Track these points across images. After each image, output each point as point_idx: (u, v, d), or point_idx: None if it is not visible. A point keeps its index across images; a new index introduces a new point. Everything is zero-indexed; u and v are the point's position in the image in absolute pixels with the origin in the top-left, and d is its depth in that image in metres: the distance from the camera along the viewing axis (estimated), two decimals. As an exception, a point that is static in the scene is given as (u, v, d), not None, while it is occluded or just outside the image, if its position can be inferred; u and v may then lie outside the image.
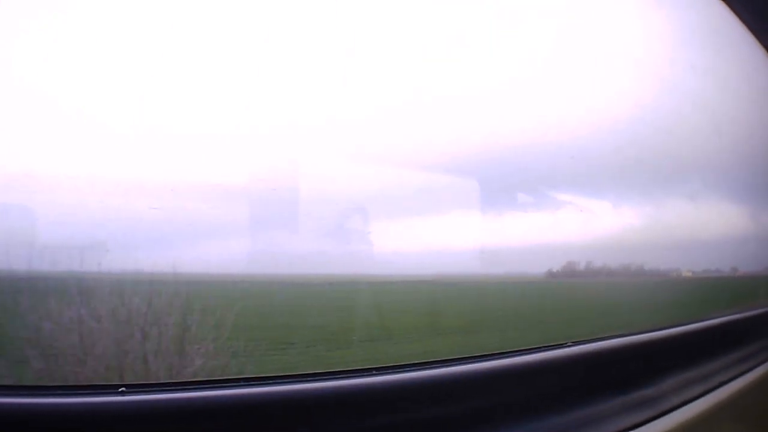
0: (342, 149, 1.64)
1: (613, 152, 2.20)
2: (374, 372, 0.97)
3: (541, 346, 1.25)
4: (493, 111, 1.90)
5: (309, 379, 0.98)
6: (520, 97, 1.94)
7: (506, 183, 2.05)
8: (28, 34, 1.19)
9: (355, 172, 1.68)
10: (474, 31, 1.77)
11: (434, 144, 1.80)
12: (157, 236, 1.41)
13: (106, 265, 1.34)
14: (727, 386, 1.52)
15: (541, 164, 2.10)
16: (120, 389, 0.80)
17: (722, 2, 2.25)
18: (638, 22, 2.23)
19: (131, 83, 1.31)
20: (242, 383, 0.93)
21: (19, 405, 0.74)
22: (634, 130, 2.23)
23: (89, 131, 1.30)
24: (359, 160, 1.68)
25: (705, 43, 2.54)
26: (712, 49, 2.58)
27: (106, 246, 1.33)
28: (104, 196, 1.32)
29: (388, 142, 1.72)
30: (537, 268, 2.13)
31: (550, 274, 2.17)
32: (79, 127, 1.29)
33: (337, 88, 1.58)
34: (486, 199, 1.89)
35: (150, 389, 0.86)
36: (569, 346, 1.27)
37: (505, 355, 1.16)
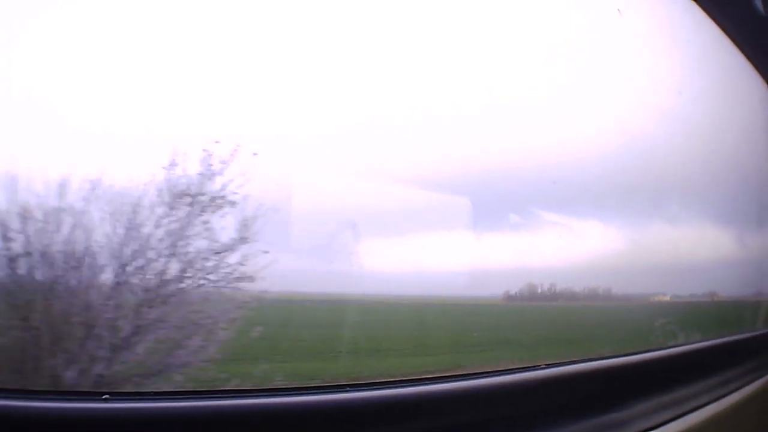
0: (331, 167, 1.67)
1: (598, 177, 2.24)
2: (348, 389, 1.00)
3: (514, 368, 1.28)
4: (483, 132, 1.94)
5: (295, 392, 1.00)
6: (508, 120, 1.98)
7: (494, 205, 2.09)
8: (25, 37, 1.22)
9: (343, 189, 1.71)
10: (464, 54, 1.81)
11: (422, 164, 1.83)
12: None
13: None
14: (699, 412, 1.55)
15: (528, 187, 2.14)
16: (104, 396, 0.82)
17: (719, 28, 2.29)
18: (628, 48, 2.27)
19: (124, 94, 1.35)
20: (226, 395, 0.95)
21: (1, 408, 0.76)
22: (620, 155, 2.27)
23: (85, 135, 1.33)
24: (348, 176, 1.71)
25: (698, 70, 2.57)
26: (707, 76, 2.62)
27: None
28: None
29: (376, 161, 1.75)
30: (518, 290, 2.16)
31: (532, 297, 2.20)
32: (75, 131, 1.32)
33: (326, 108, 1.62)
34: (471, 219, 1.92)
35: (134, 397, 0.89)
36: (543, 368, 1.30)
37: (479, 375, 1.20)
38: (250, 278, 1.42)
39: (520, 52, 1.95)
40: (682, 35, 2.48)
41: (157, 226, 1.36)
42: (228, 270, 1.41)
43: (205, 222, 1.39)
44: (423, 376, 1.42)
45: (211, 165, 1.39)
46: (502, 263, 2.02)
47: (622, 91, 2.26)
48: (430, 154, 1.83)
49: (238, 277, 1.41)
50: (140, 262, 1.34)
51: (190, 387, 1.44)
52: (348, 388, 0.99)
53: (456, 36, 1.78)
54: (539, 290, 2.25)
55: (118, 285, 1.31)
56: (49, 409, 0.78)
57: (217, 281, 1.39)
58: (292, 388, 1.12)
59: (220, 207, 1.39)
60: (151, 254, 1.35)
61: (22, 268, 1.26)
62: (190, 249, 1.38)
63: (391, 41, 1.67)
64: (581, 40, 2.11)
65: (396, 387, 1.08)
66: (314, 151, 1.63)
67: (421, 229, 1.85)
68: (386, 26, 1.67)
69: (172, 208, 1.36)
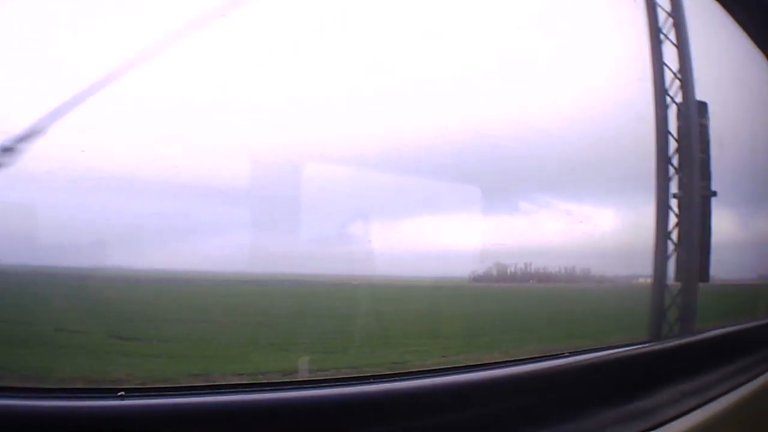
0: (341, 152, 1.66)
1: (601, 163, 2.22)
2: (372, 380, 0.98)
3: (538, 356, 1.26)
4: (488, 108, 1.92)
5: (307, 386, 0.98)
6: (511, 93, 1.96)
7: (501, 187, 2.07)
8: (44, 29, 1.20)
9: (353, 174, 1.70)
10: (456, 32, 1.78)
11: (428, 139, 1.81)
12: (159, 235, 1.42)
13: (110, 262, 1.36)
14: (723, 399, 1.52)
15: (538, 168, 2.12)
16: (119, 393, 0.80)
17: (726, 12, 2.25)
18: (631, 27, 2.24)
19: (136, 87, 1.32)
20: (240, 389, 0.93)
21: (19, 407, 0.74)
22: (618, 141, 2.25)
23: (93, 131, 1.31)
24: (358, 162, 1.69)
25: (706, 56, 2.55)
26: (716, 61, 2.59)
27: (109, 244, 1.34)
28: (112, 196, 1.33)
29: (387, 144, 1.74)
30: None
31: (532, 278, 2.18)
32: (82, 127, 1.30)
33: (338, 94, 1.59)
34: (472, 203, 1.91)
35: (149, 394, 0.87)
36: (567, 356, 1.27)
37: (503, 364, 1.17)
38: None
39: (527, 42, 1.93)
40: (691, 22, 2.46)
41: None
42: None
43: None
44: (439, 367, 1.39)
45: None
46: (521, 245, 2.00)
47: (628, 75, 2.24)
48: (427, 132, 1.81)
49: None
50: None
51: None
52: (370, 380, 0.97)
53: (456, 20, 1.75)
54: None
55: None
56: (65, 407, 0.77)
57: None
58: (309, 381, 1.10)
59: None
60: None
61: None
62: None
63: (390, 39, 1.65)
64: (586, 27, 2.09)
65: (416, 378, 1.06)
66: (317, 143, 1.61)
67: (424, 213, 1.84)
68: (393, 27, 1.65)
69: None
